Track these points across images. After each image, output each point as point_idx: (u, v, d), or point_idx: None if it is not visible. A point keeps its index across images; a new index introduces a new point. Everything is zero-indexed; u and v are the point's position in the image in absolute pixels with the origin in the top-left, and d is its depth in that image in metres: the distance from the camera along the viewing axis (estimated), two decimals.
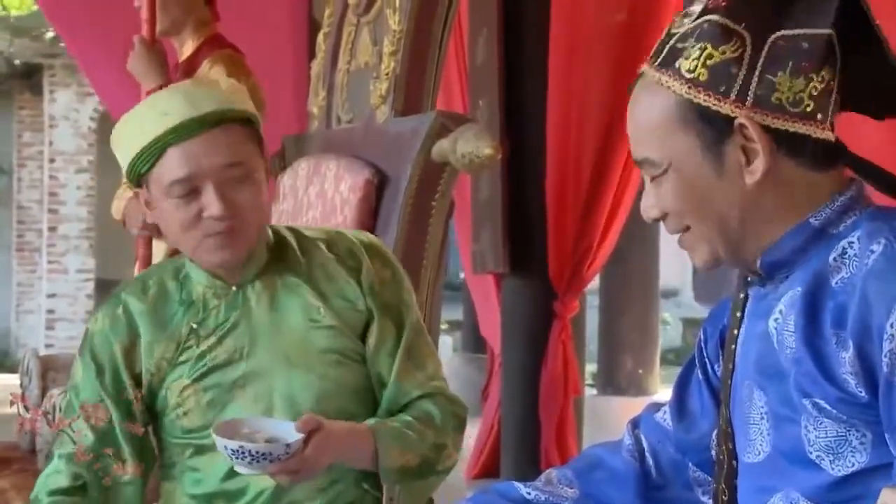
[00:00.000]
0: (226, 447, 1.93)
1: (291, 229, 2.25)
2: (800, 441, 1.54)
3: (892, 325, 1.45)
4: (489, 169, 4.38)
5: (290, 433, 1.97)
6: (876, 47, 1.57)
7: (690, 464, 1.80)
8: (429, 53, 3.56)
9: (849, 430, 1.51)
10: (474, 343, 6.95)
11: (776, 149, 1.53)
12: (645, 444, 1.83)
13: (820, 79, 1.53)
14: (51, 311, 12.85)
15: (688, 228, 1.60)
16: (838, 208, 1.56)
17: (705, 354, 1.79)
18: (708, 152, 1.55)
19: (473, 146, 3.20)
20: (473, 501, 1.82)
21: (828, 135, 1.56)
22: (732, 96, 1.52)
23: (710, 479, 1.78)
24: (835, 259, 1.53)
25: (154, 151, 2.07)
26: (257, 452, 1.93)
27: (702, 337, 1.80)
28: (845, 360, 1.48)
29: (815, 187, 1.57)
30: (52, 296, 12.89)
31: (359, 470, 2.14)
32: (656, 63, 1.57)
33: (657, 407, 1.86)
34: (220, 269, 2.15)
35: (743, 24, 1.52)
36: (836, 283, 1.52)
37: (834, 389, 1.50)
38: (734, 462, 1.69)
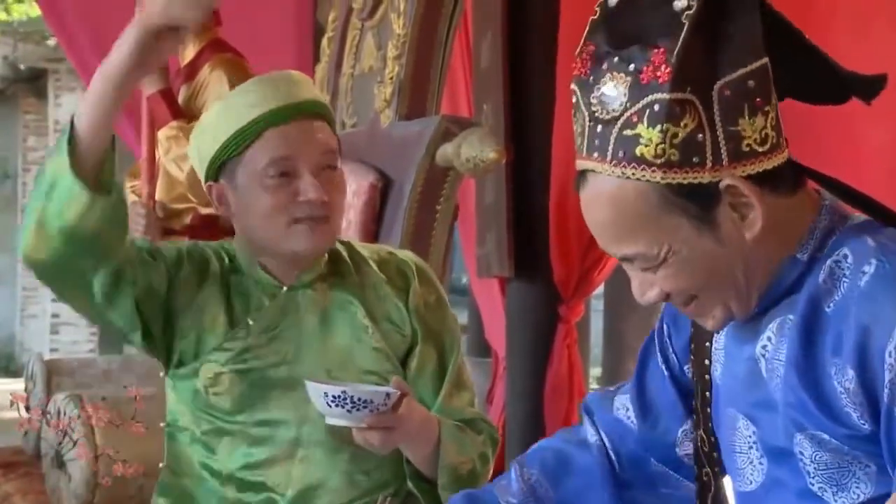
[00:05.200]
0: (325, 393, 1.91)
1: (343, 242, 2.24)
2: (799, 473, 1.52)
3: (890, 354, 1.42)
4: (494, 173, 4.38)
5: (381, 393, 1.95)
6: (798, 48, 1.54)
7: (652, 459, 1.79)
8: (433, 57, 3.56)
9: (851, 462, 1.49)
10: (479, 347, 6.92)
11: (760, 192, 1.49)
12: (606, 441, 1.82)
13: (773, 107, 1.50)
14: (55, 316, 12.83)
15: (694, 298, 1.56)
16: (819, 235, 1.54)
17: (673, 352, 1.76)
18: (703, 224, 1.50)
19: (478, 150, 3.20)
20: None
21: (788, 153, 1.53)
22: (709, 163, 1.47)
23: (672, 473, 1.78)
24: (824, 280, 1.51)
25: (251, 133, 2.07)
26: (359, 399, 1.91)
27: (665, 330, 1.77)
28: (845, 392, 1.45)
29: (796, 213, 1.54)
30: (56, 300, 12.86)
31: (384, 482, 2.13)
32: (607, 157, 1.50)
33: (611, 394, 1.85)
34: (281, 266, 2.13)
35: (688, 89, 1.45)
36: (830, 306, 1.49)
37: (833, 423, 1.47)
38: (719, 483, 1.69)
